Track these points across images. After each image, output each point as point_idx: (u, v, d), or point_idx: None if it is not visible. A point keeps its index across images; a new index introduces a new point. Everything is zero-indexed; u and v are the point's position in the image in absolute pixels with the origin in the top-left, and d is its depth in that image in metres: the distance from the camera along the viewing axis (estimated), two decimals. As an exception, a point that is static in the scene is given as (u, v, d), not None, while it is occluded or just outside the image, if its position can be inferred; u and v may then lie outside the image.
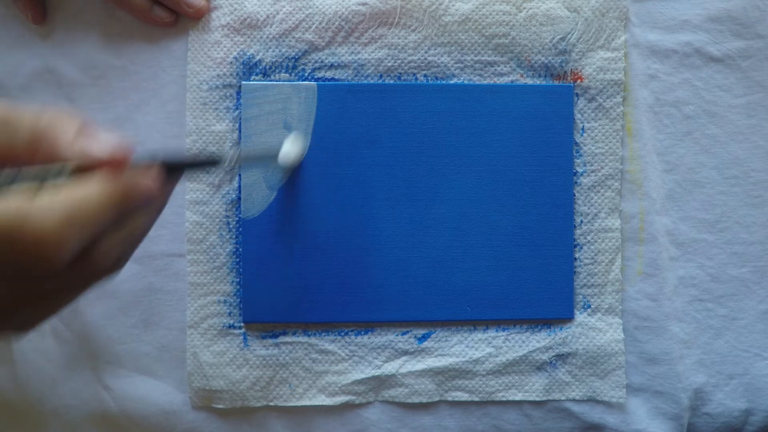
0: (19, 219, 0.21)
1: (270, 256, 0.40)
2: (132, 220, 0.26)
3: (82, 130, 0.24)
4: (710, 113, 0.43)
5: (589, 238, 0.42)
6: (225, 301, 0.41)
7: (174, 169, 0.28)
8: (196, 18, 0.41)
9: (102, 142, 0.24)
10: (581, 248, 0.42)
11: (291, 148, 0.39)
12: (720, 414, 0.42)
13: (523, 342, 0.42)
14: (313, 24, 0.41)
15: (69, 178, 0.23)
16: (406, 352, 0.41)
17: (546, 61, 0.41)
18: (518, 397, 0.41)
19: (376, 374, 0.41)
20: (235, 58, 0.41)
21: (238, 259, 0.41)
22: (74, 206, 0.22)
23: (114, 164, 0.24)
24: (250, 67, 0.41)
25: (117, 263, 0.27)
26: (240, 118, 0.41)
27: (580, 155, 0.42)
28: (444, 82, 0.41)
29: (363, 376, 0.41)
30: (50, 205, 0.22)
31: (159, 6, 0.40)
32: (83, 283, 0.26)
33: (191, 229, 0.41)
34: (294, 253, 0.40)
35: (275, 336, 0.41)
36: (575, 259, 0.42)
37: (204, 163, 0.31)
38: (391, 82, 0.41)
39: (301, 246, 0.40)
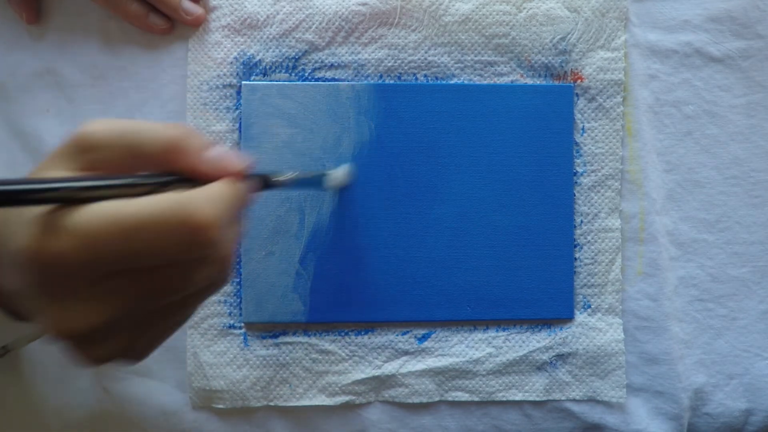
0: (183, 206, 0.24)
1: (270, 257, 0.40)
2: (237, 223, 0.28)
3: (205, 145, 0.27)
4: (710, 113, 0.43)
5: (589, 238, 0.42)
6: (225, 301, 0.41)
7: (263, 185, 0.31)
8: (194, 26, 0.41)
9: (234, 157, 0.27)
10: (581, 248, 0.42)
11: (340, 175, 0.39)
12: (720, 414, 0.42)
13: (524, 342, 0.42)
14: (313, 24, 0.41)
15: (185, 186, 0.26)
16: (406, 352, 0.41)
17: (546, 61, 0.41)
18: (518, 397, 0.41)
19: (376, 374, 0.41)
20: (235, 58, 0.41)
21: (238, 259, 0.41)
22: (221, 200, 0.25)
23: (240, 174, 0.27)
24: (250, 67, 0.41)
25: (228, 268, 0.28)
26: (240, 118, 0.41)
27: (580, 155, 0.42)
28: (444, 82, 0.41)
29: (363, 376, 0.41)
30: (205, 195, 0.24)
31: (155, 13, 0.40)
32: (205, 290, 0.28)
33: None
34: (294, 254, 0.40)
35: (275, 336, 0.41)
36: (575, 259, 0.42)
37: (267, 183, 0.32)
38: (391, 82, 0.41)
39: (301, 246, 0.40)
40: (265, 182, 0.31)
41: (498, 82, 0.41)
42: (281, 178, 0.32)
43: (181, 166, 0.26)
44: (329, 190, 0.40)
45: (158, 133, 0.26)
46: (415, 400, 0.41)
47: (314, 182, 0.38)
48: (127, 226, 0.23)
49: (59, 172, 0.25)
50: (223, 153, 0.27)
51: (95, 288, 0.24)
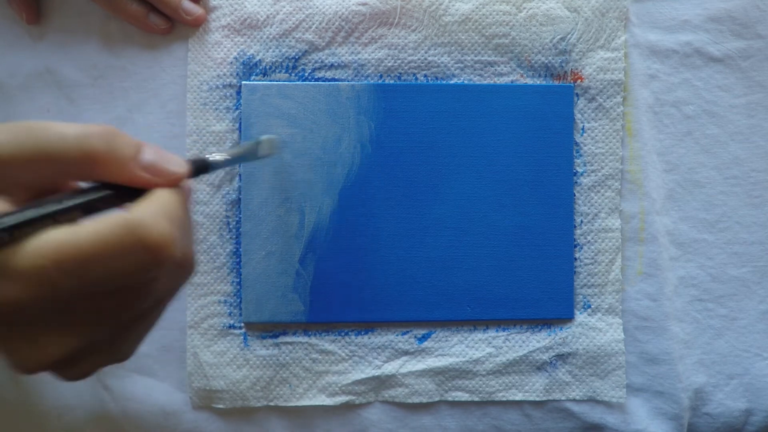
0: (136, 228, 0.22)
1: (270, 257, 0.40)
2: (188, 221, 0.27)
3: (134, 148, 0.25)
4: (710, 113, 0.43)
5: (589, 238, 0.42)
6: (225, 301, 0.41)
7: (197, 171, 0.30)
8: (194, 26, 0.41)
9: (171, 160, 0.25)
10: (581, 248, 0.42)
11: (268, 141, 0.37)
12: (720, 414, 0.42)
13: (523, 342, 0.42)
14: (313, 24, 0.41)
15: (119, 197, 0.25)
16: (406, 352, 0.41)
17: (546, 61, 0.41)
18: (518, 397, 0.41)
19: (377, 374, 0.41)
20: (235, 58, 0.41)
21: (238, 259, 0.41)
22: (171, 210, 0.24)
23: (183, 178, 0.26)
24: (250, 67, 0.41)
25: (192, 263, 0.28)
26: (240, 118, 0.41)
27: (580, 155, 0.42)
28: (444, 82, 0.41)
29: (363, 376, 0.41)
30: (154, 210, 0.23)
31: (155, 13, 0.40)
32: (174, 288, 0.27)
33: (191, 229, 0.41)
34: (294, 254, 0.40)
35: (275, 336, 0.41)
36: (575, 259, 0.42)
37: (205, 167, 0.31)
38: (391, 82, 0.41)
39: (301, 246, 0.40)
40: (202, 167, 0.30)
41: (498, 82, 0.41)
42: (217, 158, 0.31)
43: (114, 177, 0.24)
44: (262, 158, 0.37)
45: (69, 136, 0.23)
46: (415, 400, 0.41)
47: (248, 155, 0.36)
48: (79, 258, 0.22)
49: None
50: (158, 157, 0.25)
51: (59, 319, 0.23)
